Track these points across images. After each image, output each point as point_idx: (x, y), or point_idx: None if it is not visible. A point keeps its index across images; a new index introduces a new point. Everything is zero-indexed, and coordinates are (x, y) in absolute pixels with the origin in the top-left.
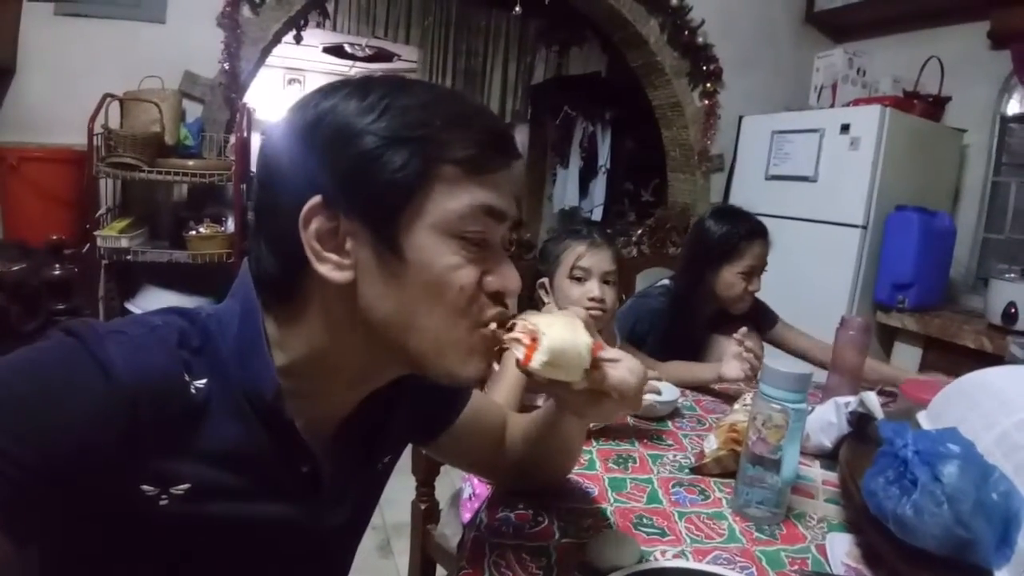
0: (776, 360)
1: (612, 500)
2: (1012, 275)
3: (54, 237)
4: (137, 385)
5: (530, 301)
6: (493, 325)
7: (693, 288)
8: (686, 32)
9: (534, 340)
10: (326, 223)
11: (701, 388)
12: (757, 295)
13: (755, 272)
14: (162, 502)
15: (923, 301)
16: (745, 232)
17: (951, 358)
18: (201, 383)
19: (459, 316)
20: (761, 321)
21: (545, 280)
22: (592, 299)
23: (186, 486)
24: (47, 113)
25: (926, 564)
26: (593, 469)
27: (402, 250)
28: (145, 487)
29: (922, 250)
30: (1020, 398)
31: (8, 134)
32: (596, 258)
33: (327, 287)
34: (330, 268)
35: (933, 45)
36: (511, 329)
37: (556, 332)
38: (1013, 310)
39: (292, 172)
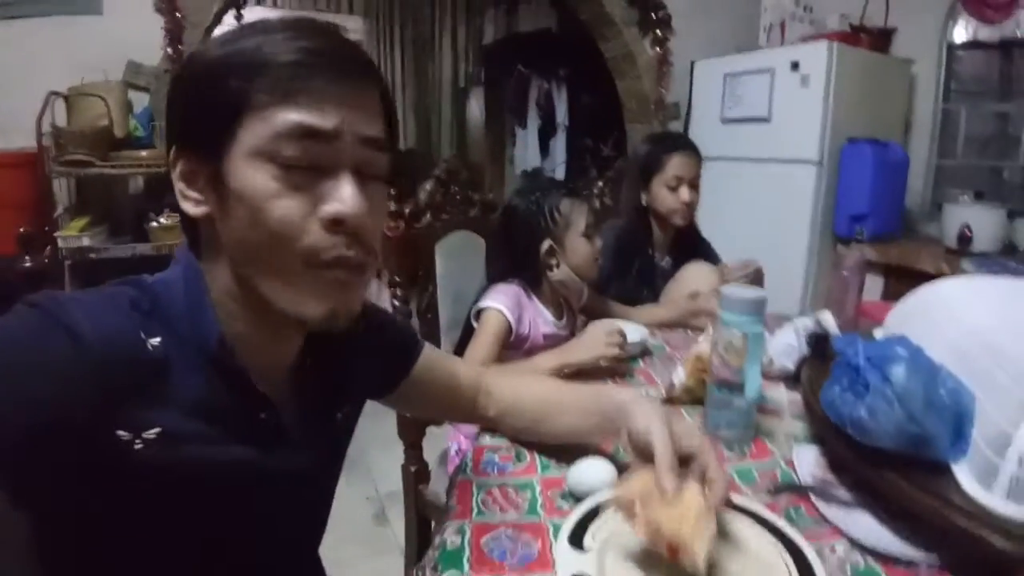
0: (731, 287)
1: None
2: (965, 198)
3: (21, 230)
4: (102, 344)
5: (524, 265)
6: (334, 271)
7: (636, 213)
8: None
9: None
10: (185, 164)
11: (669, 326)
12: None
13: (682, 182)
14: (136, 446)
15: (881, 231)
16: (666, 146)
17: (912, 284)
18: (156, 341)
19: (284, 247)
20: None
21: (550, 243)
22: (597, 259)
23: (157, 430)
24: None
25: (888, 465)
26: None
27: (225, 180)
28: (120, 432)
29: (877, 181)
30: (968, 308)
31: None
32: (585, 208)
33: (207, 226)
34: (190, 205)
35: None
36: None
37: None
38: (968, 233)
39: (167, 120)
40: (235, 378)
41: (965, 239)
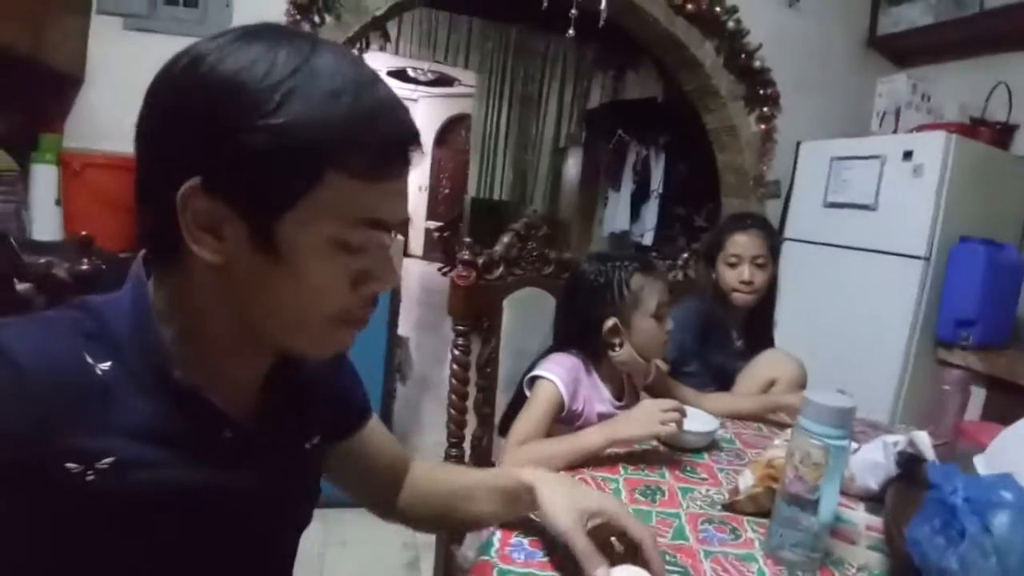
0: (816, 391)
1: None
2: None
3: (83, 233)
4: (39, 368)
5: (586, 336)
6: (354, 328)
7: (712, 292)
8: (742, 56)
9: None
10: (204, 205)
11: (743, 420)
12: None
13: (742, 260)
14: (88, 477)
15: (988, 339)
16: (729, 225)
17: (1016, 400)
18: (105, 366)
19: (319, 308)
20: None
21: (615, 321)
22: (666, 342)
23: (110, 459)
24: (113, 122)
25: None
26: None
27: (278, 248)
28: (69, 465)
29: (988, 284)
30: None
31: (75, 140)
32: (658, 286)
33: (203, 262)
34: (205, 250)
35: (1001, 71)
36: None
37: None
38: None
39: (175, 143)
40: (191, 399)
41: None
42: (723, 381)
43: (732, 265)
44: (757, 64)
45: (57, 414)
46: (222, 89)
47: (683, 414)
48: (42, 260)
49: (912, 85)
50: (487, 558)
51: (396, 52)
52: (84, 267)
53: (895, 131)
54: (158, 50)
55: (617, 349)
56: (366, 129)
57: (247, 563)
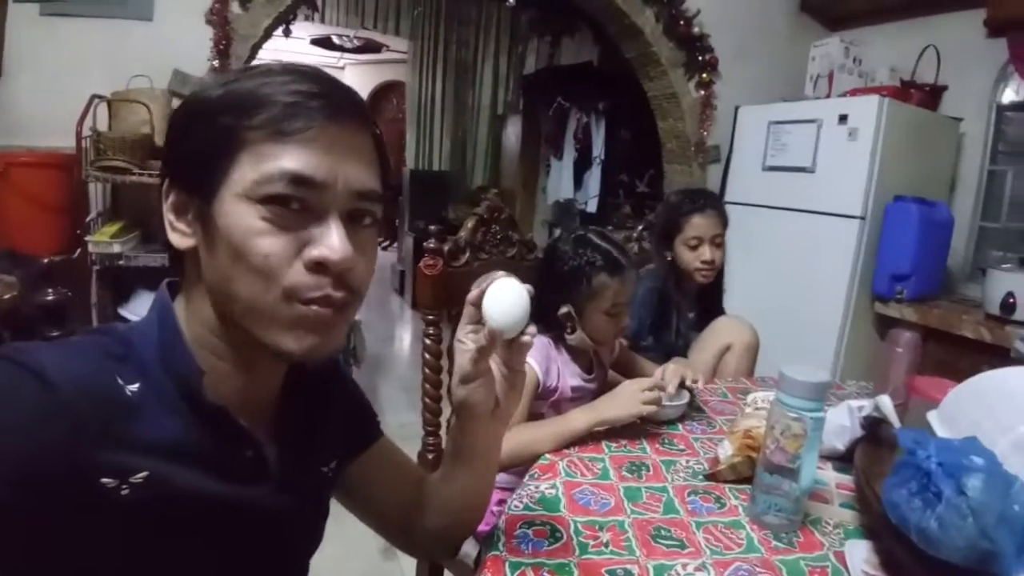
0: (793, 367)
1: (629, 511)
2: (1009, 265)
3: (45, 261)
4: (73, 386)
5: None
6: (314, 307)
7: (665, 269)
8: (681, 23)
9: None
10: (176, 197)
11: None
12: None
13: (702, 242)
14: (123, 492)
15: (921, 291)
16: (684, 208)
17: (950, 349)
18: (134, 387)
19: (267, 284)
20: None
21: (569, 308)
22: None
23: (144, 474)
24: (34, 116)
25: (947, 574)
26: (607, 479)
27: (214, 217)
28: (105, 480)
29: (921, 240)
30: None
31: None
32: (619, 288)
33: (192, 259)
34: (177, 236)
35: (930, 33)
36: None
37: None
38: (1012, 300)
39: (163, 152)
40: (217, 416)
41: (1009, 307)
42: (678, 353)
43: (693, 247)
44: (696, 31)
45: (91, 430)
46: (190, 100)
47: (662, 389)
48: (6, 296)
49: (845, 48)
50: (496, 553)
51: (323, 20)
52: (50, 298)
53: (828, 94)
54: (78, 36)
55: (569, 332)
56: (269, 92)
57: (266, 570)
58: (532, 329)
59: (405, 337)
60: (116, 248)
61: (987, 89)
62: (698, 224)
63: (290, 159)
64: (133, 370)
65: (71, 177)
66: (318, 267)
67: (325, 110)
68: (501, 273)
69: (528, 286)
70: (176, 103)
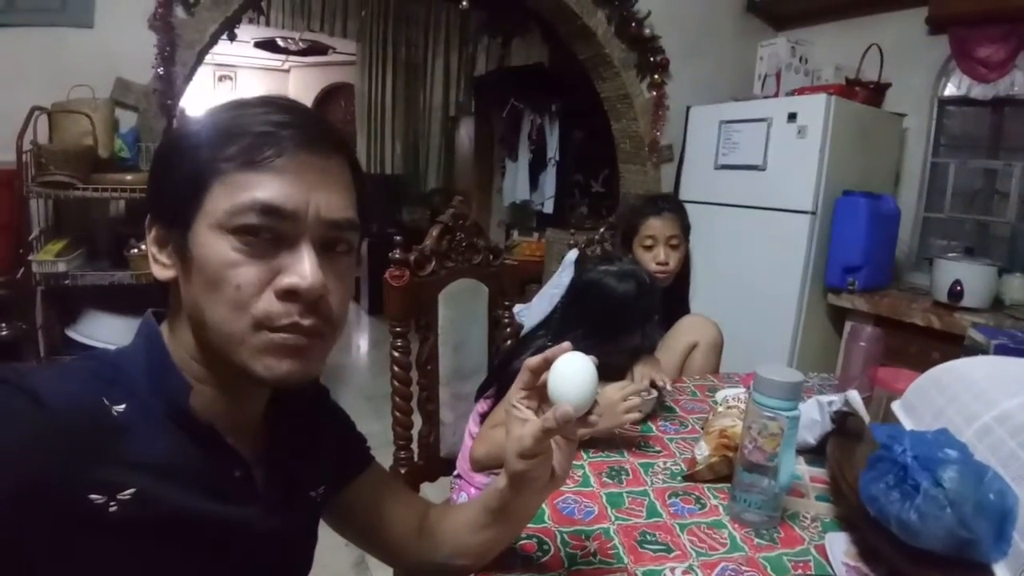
0: (768, 367)
1: (613, 518)
2: (956, 254)
3: None
4: (66, 408)
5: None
6: (282, 334)
7: None
8: (633, 24)
9: None
10: (158, 231)
11: (677, 388)
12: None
13: (657, 243)
14: (112, 508)
15: (872, 282)
16: (640, 212)
17: (901, 336)
18: (121, 408)
19: (239, 313)
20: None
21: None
22: None
23: (132, 491)
24: None
25: (927, 562)
26: (589, 486)
27: (189, 248)
28: (93, 496)
29: (870, 233)
30: (997, 390)
31: None
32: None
33: (174, 289)
34: (159, 268)
35: (873, 32)
36: None
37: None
38: (959, 287)
39: (147, 189)
40: (205, 434)
41: (956, 294)
42: (644, 353)
43: (648, 248)
44: (647, 32)
45: (80, 447)
46: (169, 135)
47: (640, 393)
48: None
49: (791, 48)
50: (485, 571)
51: (268, 23)
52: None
53: (776, 93)
54: (15, 45)
55: None
56: (243, 123)
57: None
58: (599, 410)
59: (363, 344)
60: (62, 267)
61: (928, 85)
62: (653, 225)
63: (260, 189)
64: (121, 391)
65: (11, 193)
66: (288, 295)
67: (296, 138)
68: (566, 345)
69: (592, 357)
70: (119, 112)
